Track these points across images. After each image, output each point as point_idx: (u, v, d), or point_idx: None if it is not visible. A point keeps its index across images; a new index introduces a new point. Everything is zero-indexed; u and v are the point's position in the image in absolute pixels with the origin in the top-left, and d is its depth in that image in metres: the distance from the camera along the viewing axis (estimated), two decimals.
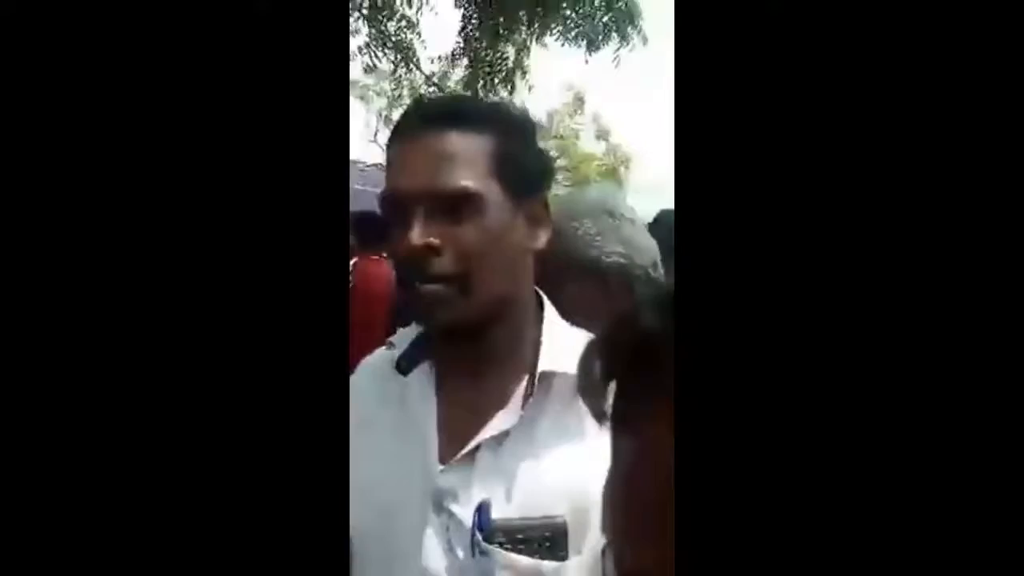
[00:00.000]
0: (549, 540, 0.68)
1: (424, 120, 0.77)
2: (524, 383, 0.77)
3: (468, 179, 0.74)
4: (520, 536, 0.68)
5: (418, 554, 0.73)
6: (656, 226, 1.90)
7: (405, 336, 0.84)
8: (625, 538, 0.42)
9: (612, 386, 0.43)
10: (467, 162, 0.74)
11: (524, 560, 0.68)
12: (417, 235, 0.72)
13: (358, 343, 0.90)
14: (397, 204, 0.75)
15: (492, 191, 0.74)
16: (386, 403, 0.81)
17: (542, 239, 0.79)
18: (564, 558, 0.68)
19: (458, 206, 0.73)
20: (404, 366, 0.81)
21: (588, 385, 0.43)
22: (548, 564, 0.68)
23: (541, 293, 0.84)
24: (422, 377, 0.81)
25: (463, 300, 0.74)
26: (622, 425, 0.43)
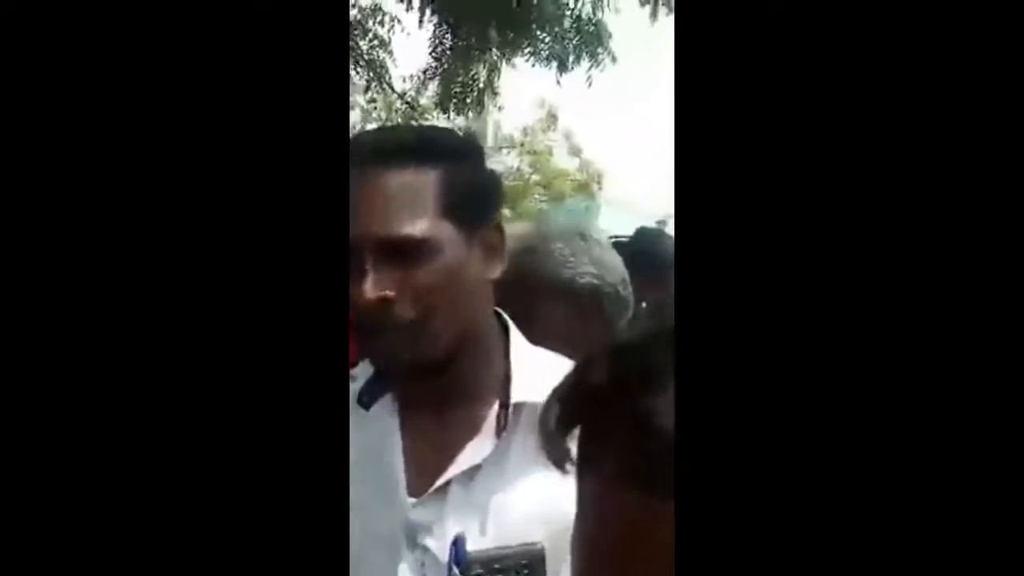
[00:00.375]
0: (527, 568, 0.68)
1: (364, 160, 0.73)
2: (493, 413, 0.75)
3: (418, 223, 0.71)
4: (498, 566, 0.68)
5: None
6: (633, 243, 1.94)
7: (366, 368, 0.82)
8: None
9: (576, 431, 0.43)
10: (415, 203, 0.72)
11: None
12: (371, 287, 0.70)
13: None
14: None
15: (444, 231, 0.72)
16: (351, 439, 0.81)
17: (498, 268, 0.78)
18: None
19: (411, 252, 0.71)
20: (366, 400, 0.80)
21: (547, 434, 0.44)
22: None
23: (505, 316, 0.82)
24: (385, 411, 0.79)
25: (424, 343, 0.72)
26: (587, 467, 0.43)
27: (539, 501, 0.71)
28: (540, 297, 1.13)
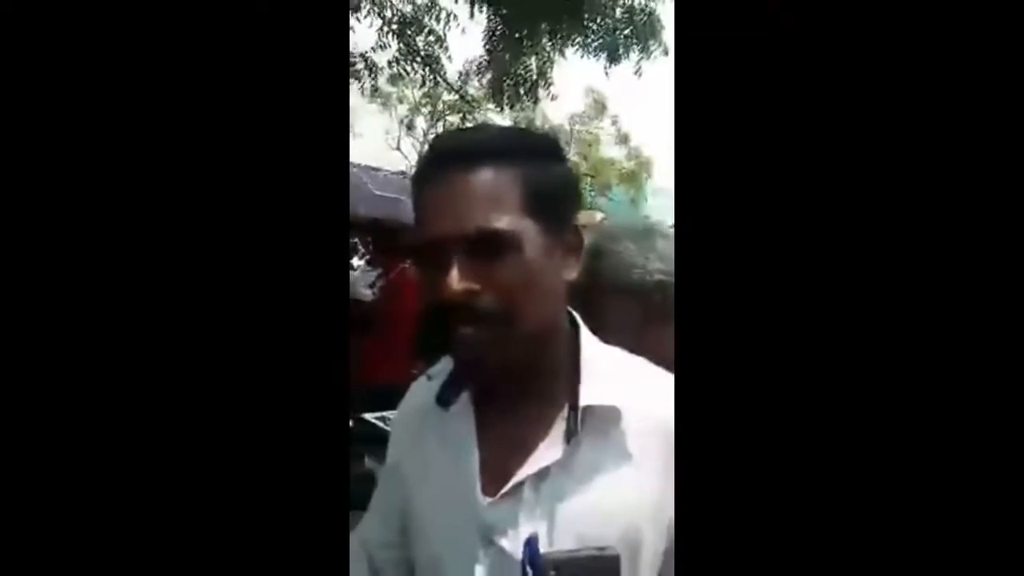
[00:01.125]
0: (602, 571, 0.67)
1: (449, 159, 0.74)
2: (564, 413, 0.75)
3: (502, 218, 0.71)
4: (572, 570, 0.68)
5: None
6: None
7: (443, 368, 0.83)
8: None
9: None
10: (499, 200, 0.72)
11: None
12: (456, 280, 0.71)
13: (391, 349, 0.95)
14: (433, 250, 0.73)
15: (526, 227, 0.73)
16: (430, 438, 0.82)
17: (575, 267, 0.78)
18: None
19: (494, 247, 0.71)
20: (445, 399, 0.81)
21: None
22: None
23: (575, 314, 0.82)
24: (463, 410, 0.80)
25: (504, 340, 0.72)
26: None
27: (612, 503, 0.72)
28: (612, 298, 1.12)
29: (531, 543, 0.69)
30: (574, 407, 0.74)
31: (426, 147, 0.81)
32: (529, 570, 0.68)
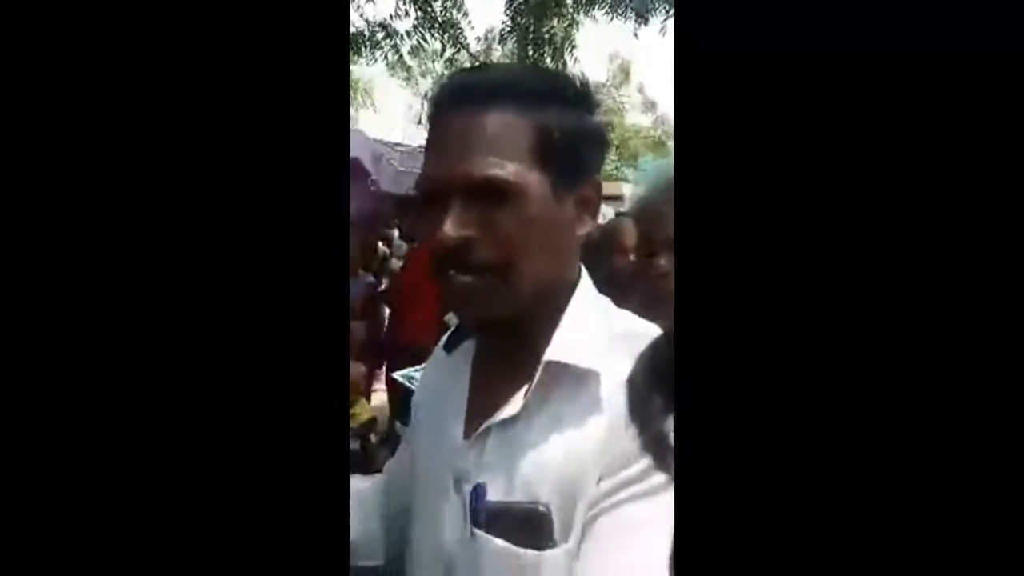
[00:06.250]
0: (532, 526, 0.66)
1: (466, 95, 0.69)
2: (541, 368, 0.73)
3: (511, 169, 0.67)
4: (503, 521, 0.67)
5: (440, 528, 0.73)
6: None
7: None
8: None
9: (671, 418, 0.40)
10: (511, 148, 0.67)
11: (508, 545, 0.67)
12: (452, 226, 0.67)
13: (409, 326, 0.96)
14: (434, 190, 0.69)
15: (537, 180, 0.68)
16: (435, 384, 0.84)
17: (589, 225, 0.74)
18: (546, 547, 0.66)
19: (498, 197, 0.67)
20: (450, 344, 0.82)
21: (642, 419, 0.40)
22: (529, 552, 0.66)
23: (583, 271, 0.78)
24: (462, 356, 0.81)
25: (499, 294, 0.69)
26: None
27: (559, 462, 0.68)
28: (664, 247, 1.14)
29: (478, 491, 0.69)
30: (540, 361, 0.72)
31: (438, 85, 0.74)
32: (470, 516, 0.69)
